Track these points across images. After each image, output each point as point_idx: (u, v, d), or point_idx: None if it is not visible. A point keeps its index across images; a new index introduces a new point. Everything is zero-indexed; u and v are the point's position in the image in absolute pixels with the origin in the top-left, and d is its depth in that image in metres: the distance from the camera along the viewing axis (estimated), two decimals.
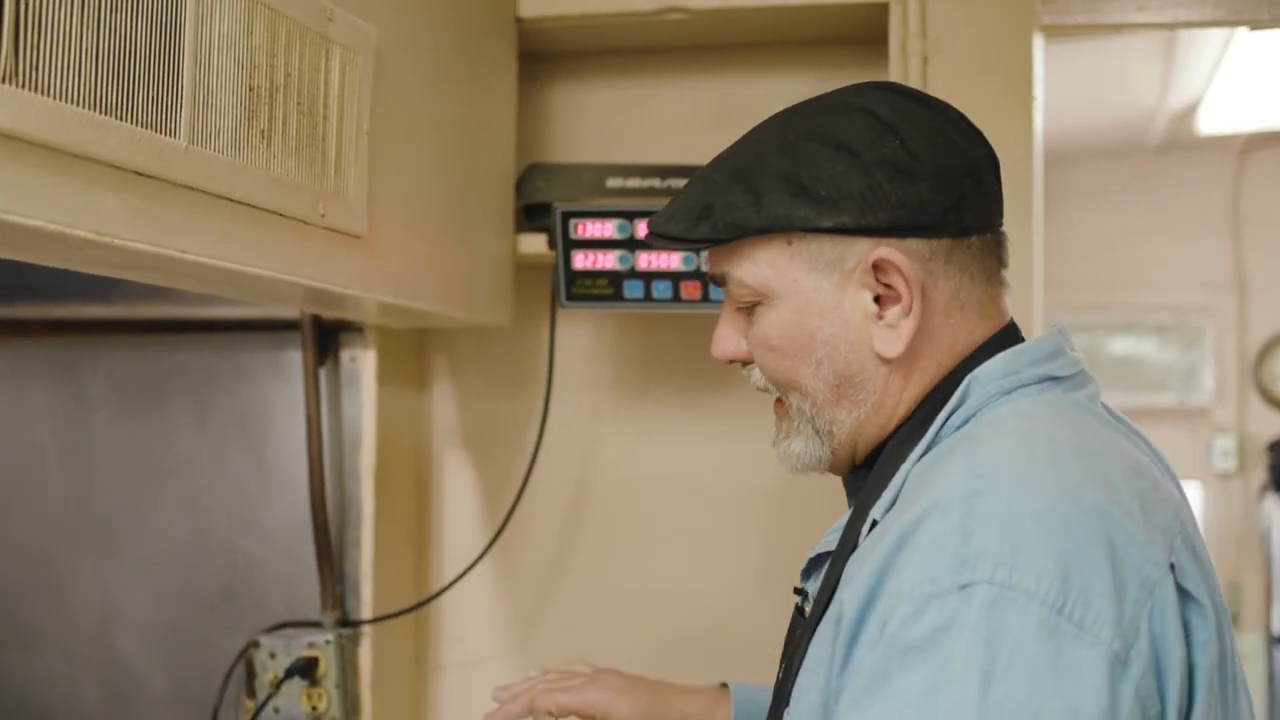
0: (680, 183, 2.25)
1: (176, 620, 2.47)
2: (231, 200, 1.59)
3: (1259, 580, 6.82)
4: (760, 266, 1.46)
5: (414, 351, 2.53)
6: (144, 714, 2.47)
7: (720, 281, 1.51)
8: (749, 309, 1.50)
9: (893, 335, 1.44)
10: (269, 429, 2.44)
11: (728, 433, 2.44)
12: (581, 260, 2.22)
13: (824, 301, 1.45)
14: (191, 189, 1.53)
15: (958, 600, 1.21)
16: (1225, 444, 6.96)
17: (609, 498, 2.49)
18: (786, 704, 1.43)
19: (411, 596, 2.48)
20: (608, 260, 2.21)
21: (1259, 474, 6.88)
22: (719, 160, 1.51)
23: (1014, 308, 2.12)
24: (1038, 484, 1.27)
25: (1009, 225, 2.14)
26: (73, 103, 1.35)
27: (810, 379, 1.47)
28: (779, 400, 1.53)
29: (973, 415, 1.42)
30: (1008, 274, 1.56)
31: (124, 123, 1.41)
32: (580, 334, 2.51)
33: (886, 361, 1.45)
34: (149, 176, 1.46)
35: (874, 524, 1.39)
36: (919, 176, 1.42)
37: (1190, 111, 5.95)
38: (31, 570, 2.53)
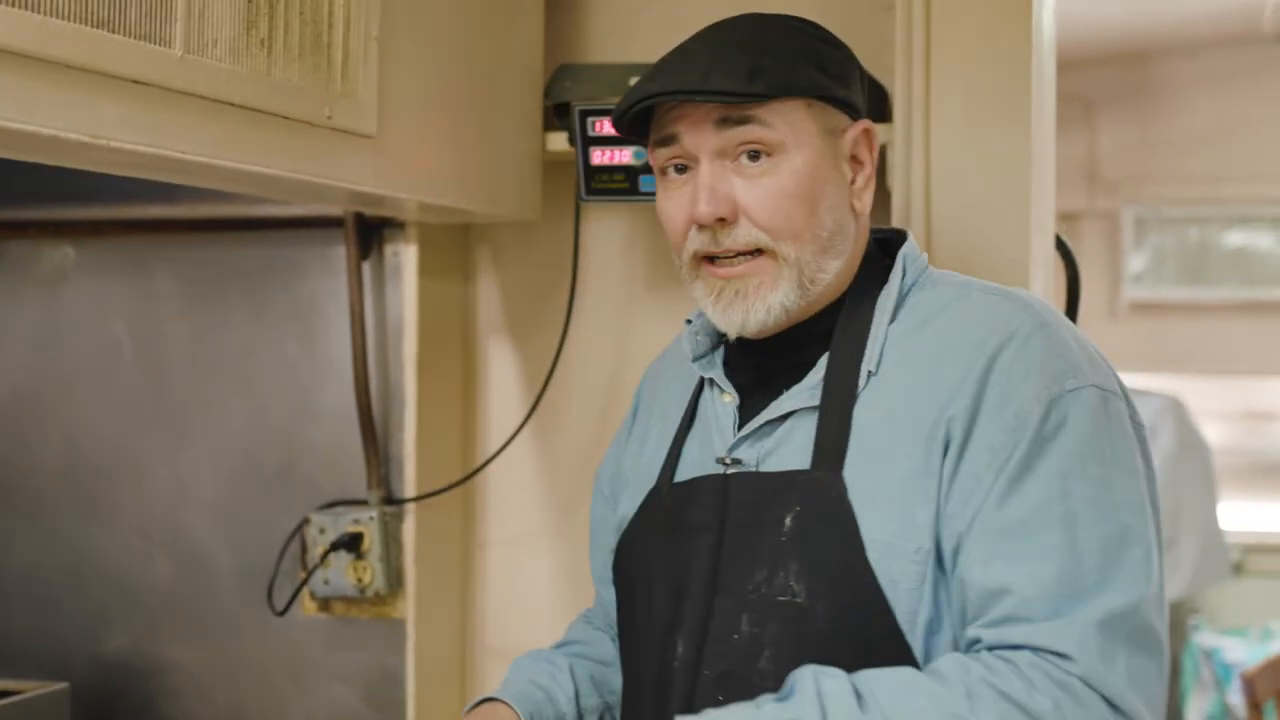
0: None
1: (238, 499, 2.64)
2: (231, 104, 1.73)
3: None
4: (787, 123, 1.67)
5: (458, 245, 2.67)
6: (210, 585, 2.66)
7: (739, 121, 1.66)
8: (753, 159, 1.67)
9: (864, 195, 1.75)
10: (320, 320, 2.60)
11: None
12: (599, 156, 2.34)
13: (827, 159, 1.71)
14: (189, 94, 1.67)
15: (1071, 399, 1.57)
16: None
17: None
18: (786, 555, 1.65)
19: (457, 477, 2.63)
20: (624, 156, 2.32)
21: None
22: (727, 40, 1.70)
23: (1008, 209, 2.23)
24: (1066, 321, 1.70)
25: (1007, 124, 2.25)
26: (65, 18, 1.49)
27: (815, 227, 1.69)
28: (753, 255, 1.69)
29: (913, 284, 1.75)
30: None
31: (116, 35, 1.56)
32: (615, 227, 2.62)
33: (858, 217, 1.75)
34: (144, 84, 1.60)
35: (869, 375, 1.67)
36: (864, 77, 1.80)
37: None
38: (108, 453, 2.72)
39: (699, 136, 1.68)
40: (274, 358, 2.63)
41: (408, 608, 2.53)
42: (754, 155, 1.67)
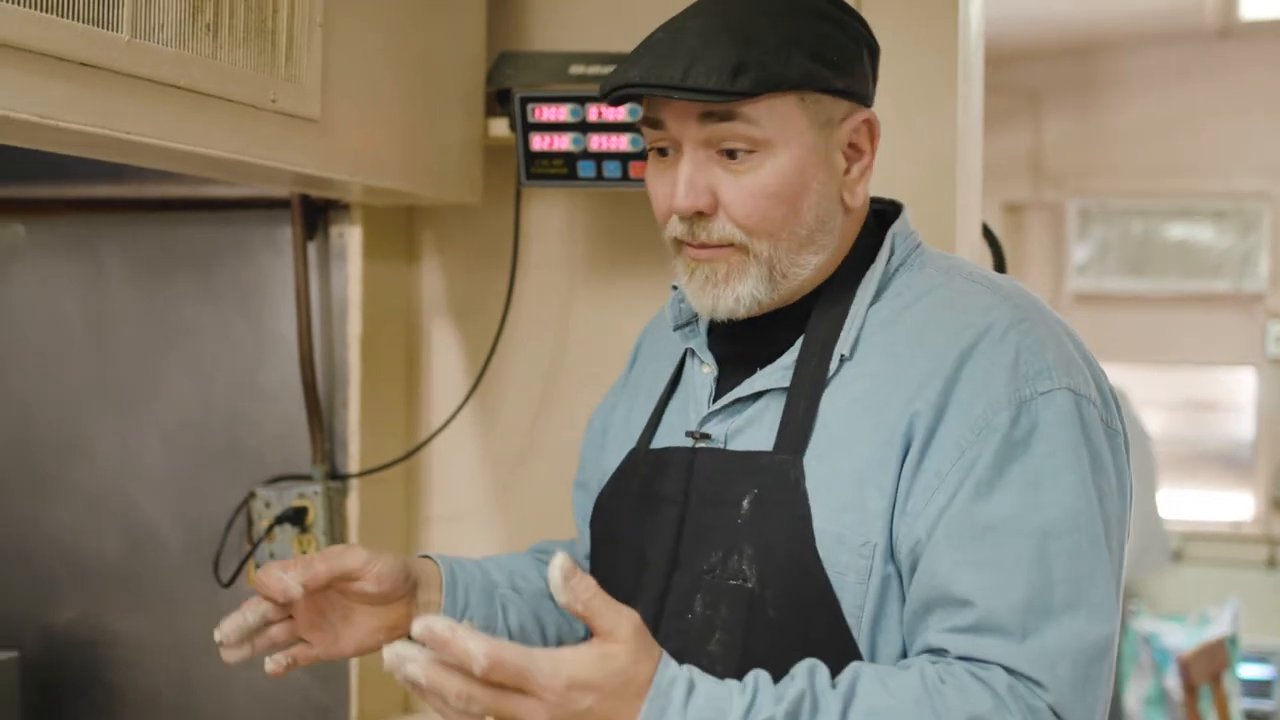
0: None
1: (185, 473, 2.70)
2: (177, 87, 1.79)
3: None
4: (774, 119, 1.62)
5: (402, 227, 2.73)
6: (157, 559, 2.72)
7: (722, 117, 1.60)
8: (732, 157, 1.63)
9: (857, 187, 1.71)
10: (266, 299, 2.66)
11: None
12: (539, 142, 2.40)
13: (818, 155, 1.65)
14: (136, 77, 1.72)
15: (1043, 403, 1.54)
16: None
17: (582, 363, 2.68)
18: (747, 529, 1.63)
19: (400, 454, 2.69)
20: (562, 142, 2.39)
21: None
22: (717, 24, 1.62)
23: (934, 200, 2.30)
24: (1049, 313, 1.66)
25: (934, 116, 2.33)
26: (15, 3, 1.55)
27: (794, 225, 1.65)
28: (720, 248, 1.66)
29: (900, 265, 1.72)
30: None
31: (65, 19, 1.61)
32: (555, 211, 2.68)
33: (847, 211, 1.71)
34: (92, 66, 1.66)
35: (842, 359, 1.65)
36: (874, 56, 1.73)
37: None
38: (58, 428, 2.77)
39: (682, 126, 1.64)
40: (220, 335, 2.69)
41: None
42: (733, 153, 1.63)
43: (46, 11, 1.59)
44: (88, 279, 2.76)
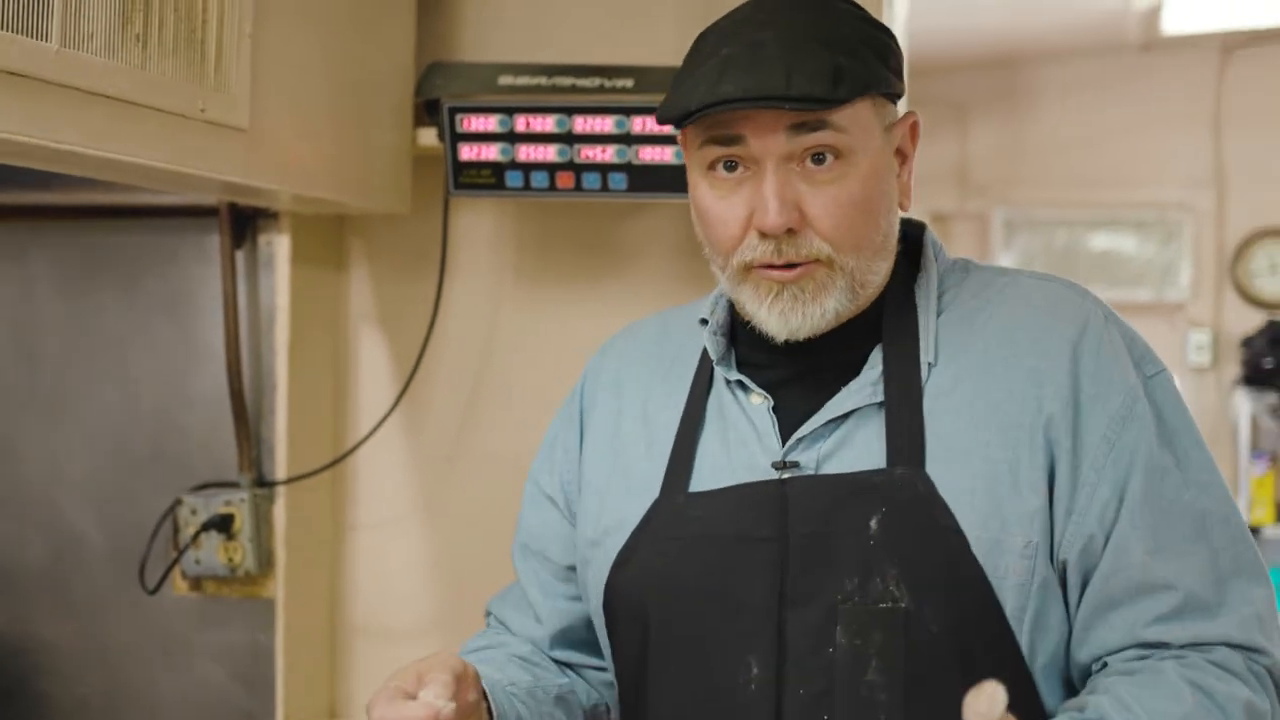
0: (565, 80, 2.44)
1: (111, 480, 2.71)
2: (106, 97, 1.79)
3: (1228, 471, 6.99)
4: (856, 125, 1.57)
5: (332, 236, 2.73)
6: (83, 565, 2.72)
7: (813, 127, 1.54)
8: (819, 162, 1.56)
9: (906, 189, 1.68)
10: (194, 307, 2.67)
11: (617, 310, 2.63)
12: (467, 152, 2.42)
13: (885, 158, 1.62)
14: (65, 86, 1.73)
15: (1156, 385, 1.61)
16: (1200, 338, 7.13)
17: (509, 371, 2.70)
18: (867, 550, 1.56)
19: (327, 461, 2.70)
20: (490, 152, 2.41)
21: (1232, 368, 7.06)
22: (793, 28, 1.56)
23: None
24: None
25: None
26: None
27: (874, 233, 1.61)
28: (806, 264, 1.58)
29: (945, 271, 1.70)
30: None
31: None
32: (483, 220, 2.70)
33: (900, 213, 1.68)
34: (21, 75, 1.66)
35: (929, 367, 1.62)
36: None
37: (1156, 12, 6.06)
38: None
39: (768, 141, 1.55)
40: (148, 343, 2.70)
41: (278, 587, 2.60)
42: (820, 158, 1.56)
43: None
44: (14, 286, 2.76)
